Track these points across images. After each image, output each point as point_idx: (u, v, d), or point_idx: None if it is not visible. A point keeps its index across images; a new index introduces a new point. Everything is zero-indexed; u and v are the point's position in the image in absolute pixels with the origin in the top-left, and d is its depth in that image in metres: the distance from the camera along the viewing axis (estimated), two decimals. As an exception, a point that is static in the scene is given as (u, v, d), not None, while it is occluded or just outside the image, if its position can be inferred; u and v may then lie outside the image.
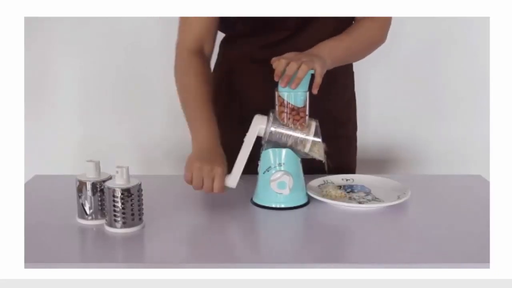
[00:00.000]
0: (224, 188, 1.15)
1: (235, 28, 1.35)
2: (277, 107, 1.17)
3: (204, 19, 1.30)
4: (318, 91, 1.11)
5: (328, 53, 1.20)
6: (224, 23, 1.34)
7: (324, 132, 1.17)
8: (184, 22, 1.32)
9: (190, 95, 1.27)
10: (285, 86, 1.11)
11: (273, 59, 1.14)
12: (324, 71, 1.14)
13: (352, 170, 1.49)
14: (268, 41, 1.32)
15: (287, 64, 1.10)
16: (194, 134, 1.22)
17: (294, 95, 1.14)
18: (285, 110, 1.16)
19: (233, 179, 1.16)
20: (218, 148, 1.19)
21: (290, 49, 1.18)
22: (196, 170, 1.13)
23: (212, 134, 1.21)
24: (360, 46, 1.31)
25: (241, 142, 1.18)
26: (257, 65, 1.33)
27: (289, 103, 1.15)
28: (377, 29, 1.32)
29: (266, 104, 1.19)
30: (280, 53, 1.16)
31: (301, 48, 1.20)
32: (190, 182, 1.15)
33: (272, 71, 1.12)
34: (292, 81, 1.10)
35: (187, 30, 1.31)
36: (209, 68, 1.35)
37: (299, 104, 1.15)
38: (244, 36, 1.36)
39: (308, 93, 1.16)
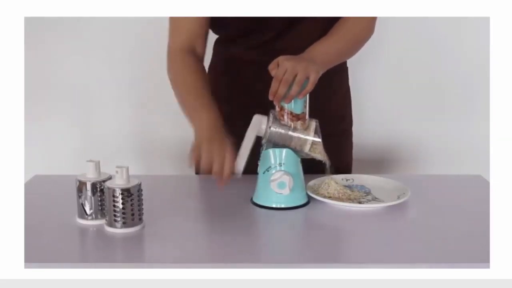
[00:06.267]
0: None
1: (227, 29, 1.35)
2: (277, 107, 1.17)
3: (193, 21, 1.29)
4: (314, 89, 1.12)
5: (321, 59, 1.20)
6: (217, 24, 1.34)
7: (321, 130, 1.17)
8: (173, 24, 1.31)
9: (187, 88, 1.25)
10: (278, 104, 1.14)
11: (270, 66, 1.14)
12: (317, 78, 1.13)
13: (349, 165, 1.49)
14: (257, 41, 1.32)
15: (284, 73, 1.10)
16: (197, 122, 1.17)
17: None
18: (285, 113, 1.16)
19: (239, 164, 1.11)
20: (223, 133, 1.15)
21: (279, 48, 1.19)
22: (205, 151, 1.09)
23: (215, 120, 1.17)
24: (350, 44, 1.30)
25: (237, 142, 1.17)
26: (247, 65, 1.33)
27: (289, 110, 1.15)
28: (365, 23, 1.30)
29: (259, 103, 1.18)
30: (268, 53, 1.17)
31: (290, 47, 1.20)
32: (198, 163, 1.10)
33: (266, 72, 1.13)
34: (286, 97, 1.11)
35: (177, 32, 1.31)
36: (203, 65, 1.33)
37: (299, 106, 1.15)
38: (235, 37, 1.35)
39: (308, 95, 1.16)
